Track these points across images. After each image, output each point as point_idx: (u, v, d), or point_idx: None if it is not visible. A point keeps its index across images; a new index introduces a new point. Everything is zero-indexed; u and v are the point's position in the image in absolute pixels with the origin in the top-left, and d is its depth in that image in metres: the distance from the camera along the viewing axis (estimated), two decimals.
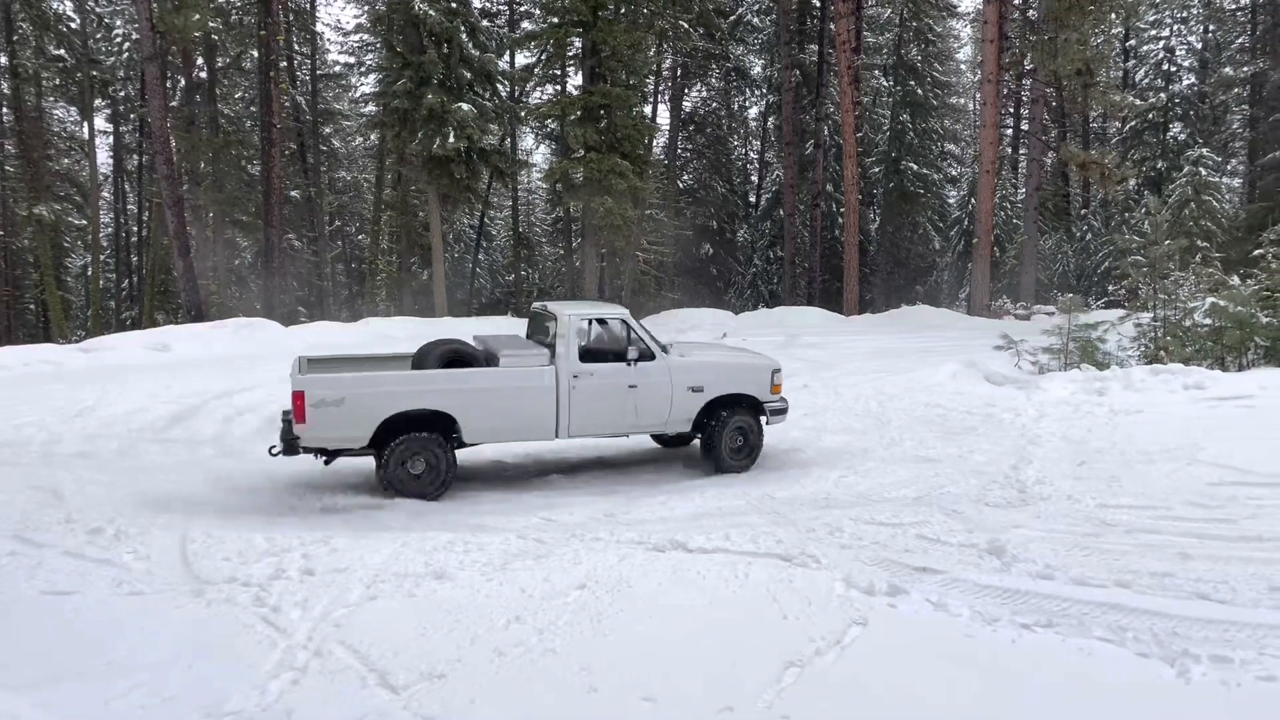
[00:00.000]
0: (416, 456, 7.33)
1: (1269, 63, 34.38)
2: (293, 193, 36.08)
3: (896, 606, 4.93)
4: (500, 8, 36.95)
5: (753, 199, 43.37)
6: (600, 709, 3.89)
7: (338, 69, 40.39)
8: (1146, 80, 37.48)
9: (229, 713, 3.81)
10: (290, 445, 7.12)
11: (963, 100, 45.50)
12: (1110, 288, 29.57)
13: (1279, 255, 12.68)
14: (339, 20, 79.67)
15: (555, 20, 26.96)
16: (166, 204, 23.46)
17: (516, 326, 22.72)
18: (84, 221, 36.02)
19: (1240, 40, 37.91)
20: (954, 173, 42.57)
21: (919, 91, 38.22)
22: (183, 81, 32.07)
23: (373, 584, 5.25)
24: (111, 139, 38.10)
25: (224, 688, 4.00)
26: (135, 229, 39.68)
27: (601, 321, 8.40)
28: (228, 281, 33.29)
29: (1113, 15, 28.75)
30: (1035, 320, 23.52)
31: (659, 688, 4.03)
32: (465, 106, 25.24)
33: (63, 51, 32.61)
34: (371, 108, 37.13)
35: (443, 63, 25.56)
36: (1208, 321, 12.25)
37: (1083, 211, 38.46)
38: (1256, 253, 13.51)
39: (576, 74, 30.91)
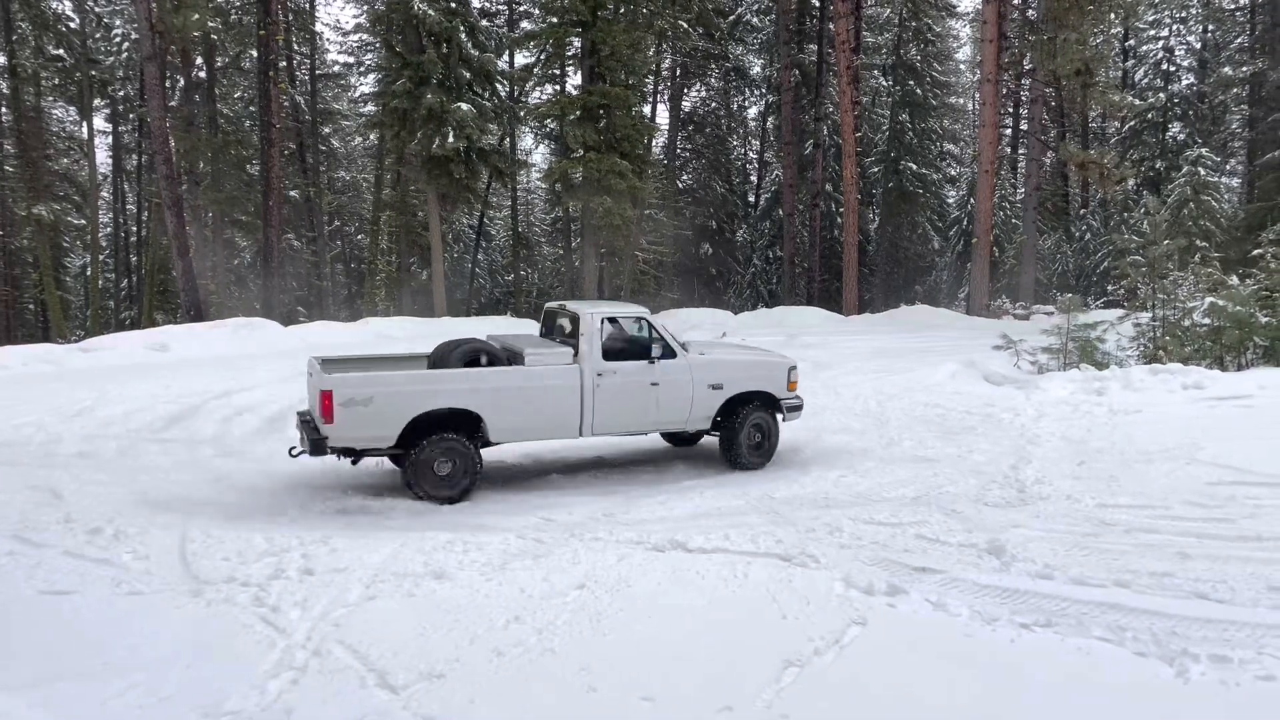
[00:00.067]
0: (443, 457, 7.29)
1: (1268, 62, 34.40)
2: (292, 193, 36.07)
3: (896, 606, 4.93)
4: (499, 7, 36.95)
5: (752, 199, 43.37)
6: (599, 709, 3.89)
7: (337, 69, 40.40)
8: (1146, 80, 37.51)
9: (228, 712, 3.81)
10: (317, 445, 6.99)
11: (962, 100, 45.52)
12: (1109, 287, 29.59)
13: (1278, 255, 12.68)
14: (338, 20, 79.84)
15: (554, 20, 26.96)
16: (166, 204, 23.46)
17: (516, 326, 22.73)
18: (83, 221, 36.01)
19: (1239, 40, 37.92)
20: (953, 172, 42.58)
21: (918, 91, 38.23)
22: (182, 81, 32.06)
23: (372, 584, 5.25)
24: (111, 139, 38.09)
25: (223, 687, 4.00)
26: (134, 229, 39.67)
27: (622, 320, 8.45)
28: (227, 281, 33.29)
29: (1112, 15, 28.75)
30: (1034, 320, 23.52)
31: (658, 687, 4.03)
32: (464, 106, 25.24)
33: (62, 51, 32.61)
34: (370, 107, 37.13)
35: (442, 62, 25.56)
36: (1207, 321, 12.26)
37: (1082, 211, 38.47)
38: (1255, 252, 13.53)
39: (576, 74, 30.90)
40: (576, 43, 27.69)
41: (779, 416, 8.73)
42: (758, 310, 29.73)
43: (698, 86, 41.52)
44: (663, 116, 40.17)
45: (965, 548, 5.91)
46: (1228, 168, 38.90)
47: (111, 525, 6.26)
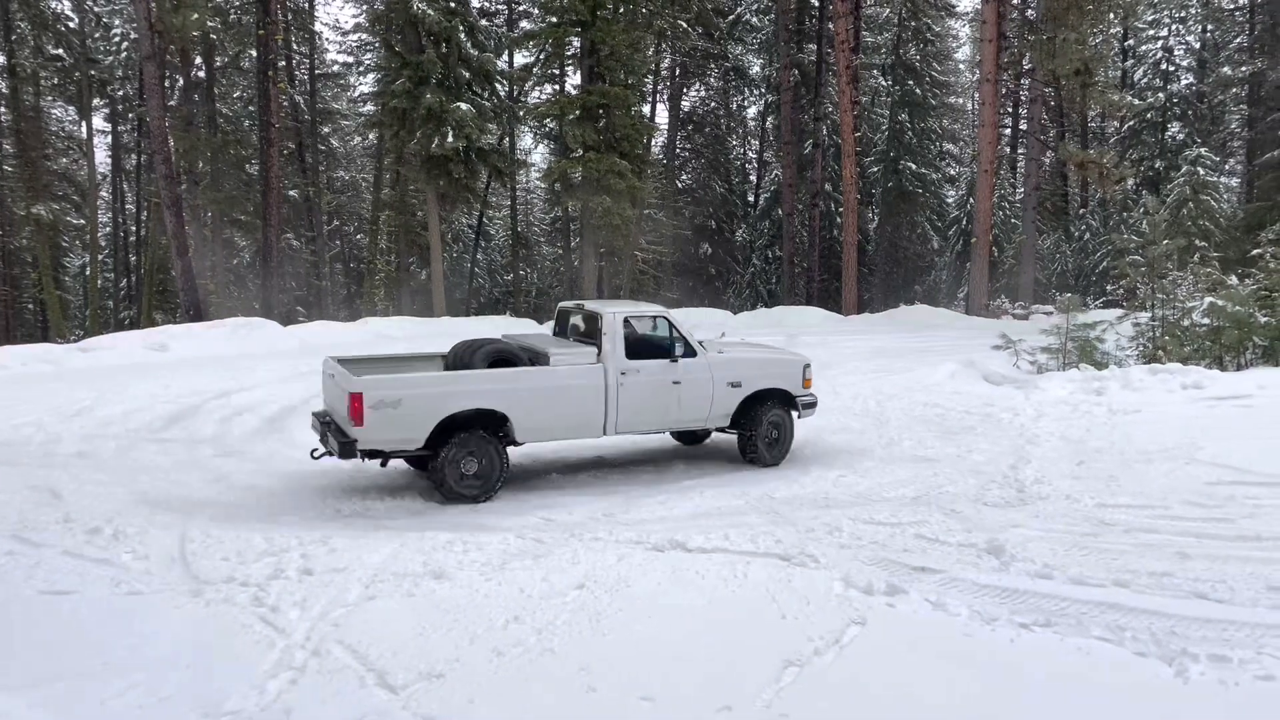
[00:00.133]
0: (470, 457, 7.27)
1: (1267, 62, 34.42)
2: (291, 192, 36.07)
3: (895, 606, 4.93)
4: (499, 7, 36.94)
5: (751, 198, 43.37)
6: (599, 709, 3.89)
7: (336, 68, 40.39)
8: (1145, 80, 37.51)
9: (227, 712, 3.80)
10: (347, 448, 6.92)
11: (961, 100, 45.53)
12: (1108, 287, 29.59)
13: (1277, 255, 12.69)
14: (337, 20, 79.83)
15: (554, 20, 26.96)
16: (165, 203, 23.45)
17: (516, 325, 22.74)
18: (82, 221, 36.00)
19: (1238, 40, 37.95)
20: (952, 172, 42.58)
21: (917, 91, 38.23)
22: (181, 81, 32.04)
23: (371, 584, 5.25)
24: (110, 138, 38.07)
25: (222, 687, 3.99)
26: (133, 228, 39.65)
27: (643, 319, 8.50)
28: (226, 281, 33.29)
29: (1111, 15, 28.79)
30: (1033, 320, 23.54)
31: (658, 687, 4.03)
32: (464, 106, 25.24)
33: (61, 51, 32.60)
34: (370, 107, 37.11)
35: (441, 62, 25.55)
36: (1206, 321, 12.27)
37: (1081, 211, 38.49)
38: (1255, 252, 13.53)
39: (575, 73, 30.90)
40: (576, 42, 27.69)
41: (794, 414, 8.83)
42: (757, 310, 29.75)
43: (697, 86, 41.53)
44: (662, 116, 40.23)
45: (964, 547, 5.91)
46: (1227, 167, 38.93)
47: (111, 525, 6.26)
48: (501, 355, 7.82)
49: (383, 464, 7.54)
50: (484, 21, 32.30)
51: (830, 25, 32.26)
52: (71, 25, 33.58)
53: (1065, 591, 5.11)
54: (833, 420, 10.54)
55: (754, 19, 39.95)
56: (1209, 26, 38.42)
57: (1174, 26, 37.38)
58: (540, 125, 31.63)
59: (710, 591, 5.18)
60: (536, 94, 33.53)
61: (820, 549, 5.88)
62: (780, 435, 8.70)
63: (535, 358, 7.87)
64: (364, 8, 36.54)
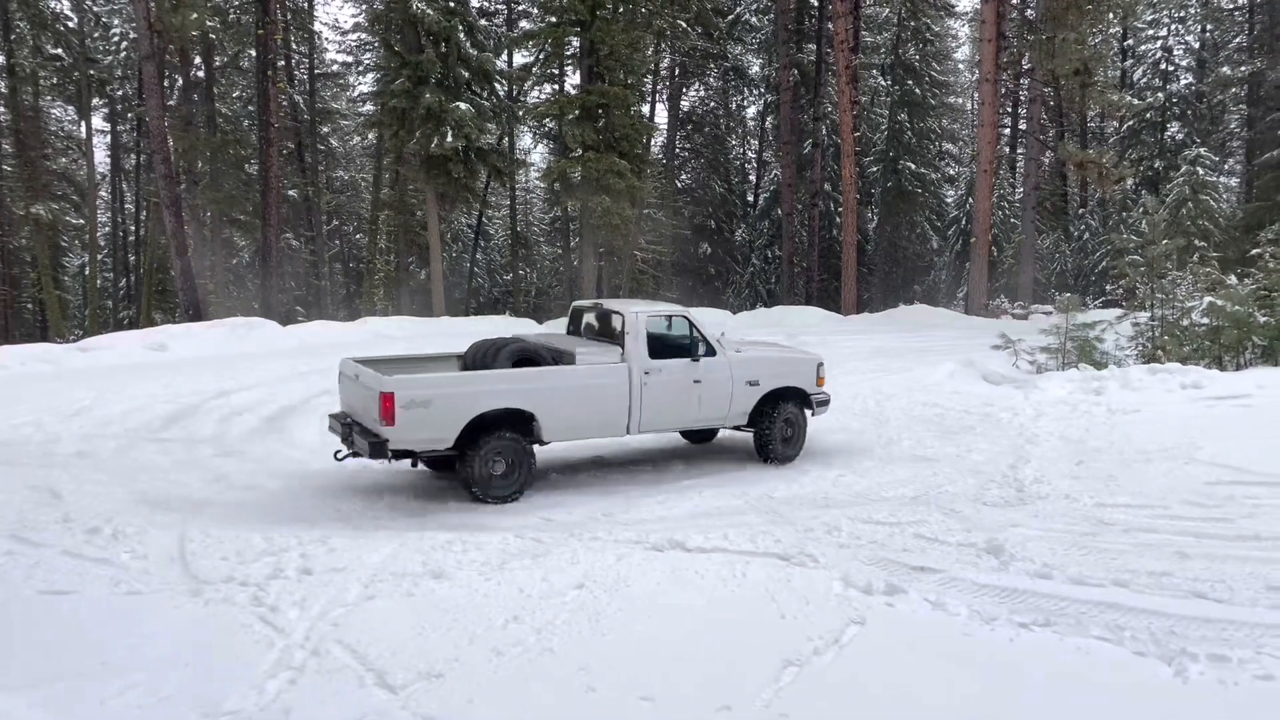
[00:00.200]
0: (498, 457, 7.28)
1: (1266, 62, 34.43)
2: (290, 192, 36.05)
3: (894, 606, 4.93)
4: (498, 7, 36.93)
5: (751, 198, 43.37)
6: (599, 708, 3.89)
7: (335, 68, 40.38)
8: (1144, 80, 37.50)
9: (227, 712, 3.80)
10: (378, 448, 6.90)
11: (961, 100, 45.52)
12: (1108, 287, 29.59)
13: (1276, 254, 12.70)
14: (337, 19, 79.79)
15: (553, 19, 26.96)
16: (164, 203, 23.44)
17: (515, 325, 22.74)
18: (81, 221, 35.99)
19: (1238, 40, 37.96)
20: (952, 172, 42.59)
21: (917, 91, 38.22)
22: (180, 81, 32.03)
23: (371, 583, 5.25)
24: (109, 138, 38.06)
25: (222, 687, 3.99)
26: (133, 228, 39.64)
27: (664, 319, 8.56)
28: (225, 281, 33.29)
29: (1110, 15, 28.78)
30: (1033, 320, 23.53)
31: (657, 687, 4.03)
32: (463, 106, 25.24)
33: (60, 50, 32.58)
34: (369, 107, 37.11)
35: (440, 62, 25.54)
36: (1205, 321, 12.28)
37: (1080, 211, 38.49)
38: (1254, 252, 13.55)
39: (574, 73, 30.90)
40: (575, 42, 27.68)
41: (808, 412, 8.94)
42: (756, 310, 29.74)
43: (696, 86, 41.53)
44: (661, 116, 40.23)
45: (964, 547, 5.92)
46: (1226, 167, 38.94)
47: (110, 525, 6.26)
48: (525, 355, 7.87)
49: (414, 464, 7.59)
50: (483, 21, 32.31)
51: (830, 25, 32.26)
52: (71, 25, 33.57)
53: (1064, 591, 5.11)
54: (832, 420, 10.53)
55: (753, 19, 39.94)
56: (1208, 26, 38.43)
57: (1173, 26, 37.37)
58: (539, 125, 31.63)
59: (709, 591, 5.18)
60: (536, 94, 33.54)
61: (819, 549, 5.88)
62: (795, 432, 8.82)
63: (558, 357, 7.91)
64: (363, 7, 36.54)
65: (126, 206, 40.19)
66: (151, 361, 15.51)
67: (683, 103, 40.29)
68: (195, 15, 22.86)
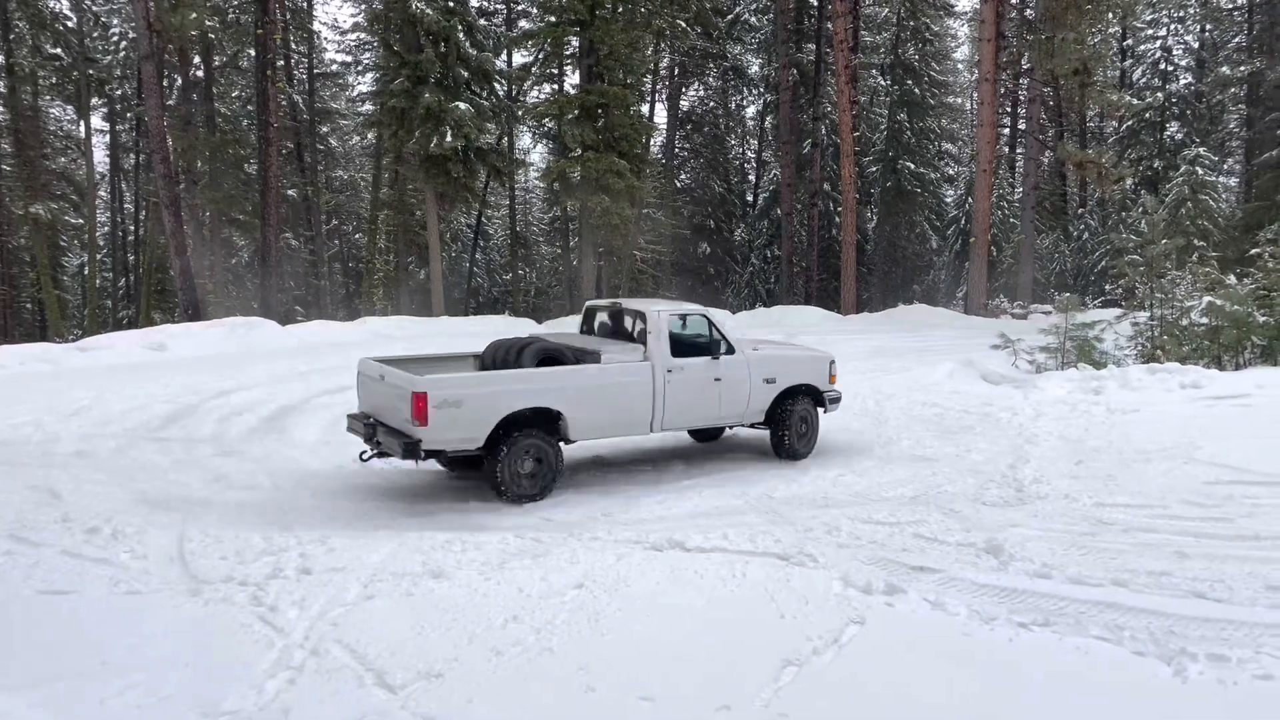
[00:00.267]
0: (526, 456, 7.29)
1: (1266, 62, 34.45)
2: (290, 192, 36.05)
3: (894, 605, 4.93)
4: (497, 6, 36.93)
5: (750, 198, 43.38)
6: (598, 708, 3.89)
7: (335, 68, 40.37)
8: (1143, 79, 37.53)
9: (226, 712, 3.80)
10: (411, 449, 6.88)
11: (960, 99, 45.53)
12: (1107, 287, 29.63)
13: (1276, 254, 12.70)
14: (336, 19, 79.59)
15: (552, 19, 26.96)
16: (163, 203, 23.43)
17: (515, 325, 22.73)
18: (80, 220, 35.98)
19: (1237, 39, 37.98)
20: (951, 172, 42.60)
21: (916, 91, 38.23)
22: (179, 80, 32.01)
23: (370, 583, 5.25)
24: (108, 138, 38.05)
25: (221, 687, 3.99)
26: (132, 228, 39.63)
27: (684, 318, 8.63)
28: (224, 280, 33.27)
29: (1110, 14, 28.76)
30: (1032, 319, 23.55)
31: (657, 687, 4.03)
32: (462, 105, 25.24)
33: (59, 50, 32.56)
34: (368, 106, 37.11)
35: (440, 61, 25.54)
36: (1204, 320, 12.29)
37: (1080, 211, 38.50)
38: (1253, 252, 13.56)
39: (574, 73, 30.90)
40: (574, 42, 27.68)
41: (820, 409, 9.06)
42: (756, 309, 29.73)
43: (696, 85, 41.53)
44: (661, 116, 40.23)
45: (963, 547, 5.92)
46: (1225, 167, 38.96)
47: (109, 524, 6.26)
48: (549, 354, 7.90)
49: (444, 464, 7.59)
50: (482, 21, 32.30)
51: (829, 25, 32.26)
52: (70, 24, 33.55)
53: (1064, 591, 5.12)
54: (831, 419, 10.51)
55: (753, 18, 39.95)
56: (1207, 26, 38.45)
57: (1172, 26, 37.40)
58: (539, 125, 31.63)
59: (709, 591, 5.18)
60: (535, 93, 33.54)
61: (819, 548, 5.88)
62: (809, 429, 8.95)
63: (581, 356, 7.95)
64: (362, 7, 36.55)
65: (126, 206, 40.18)
66: (151, 361, 15.51)
67: (682, 102, 40.30)
68: (194, 15, 22.85)
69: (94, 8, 35.10)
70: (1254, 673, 4.10)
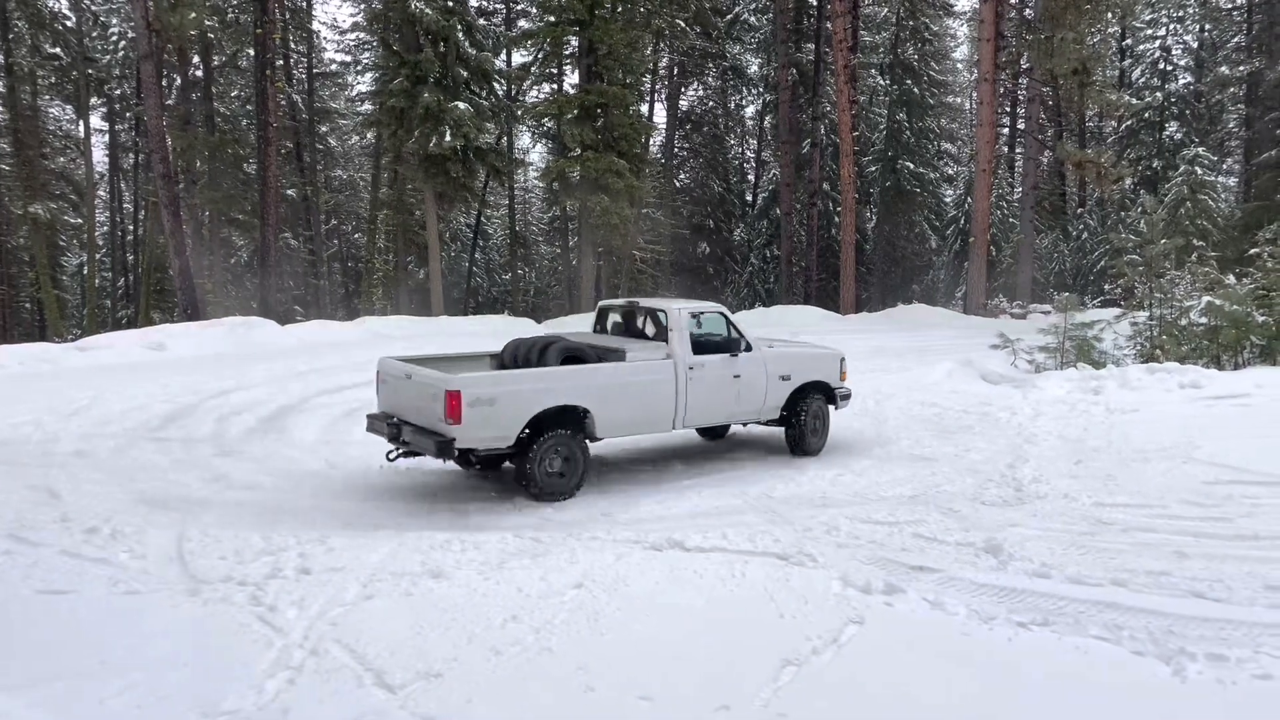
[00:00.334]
0: (554, 454, 7.31)
1: (1265, 62, 34.47)
2: (289, 191, 36.04)
3: (893, 605, 4.93)
4: (497, 6, 36.92)
5: (749, 198, 43.38)
6: (597, 708, 3.89)
7: (334, 67, 40.37)
8: (1143, 79, 37.55)
9: (225, 712, 3.80)
10: (445, 447, 6.86)
11: (959, 99, 45.55)
12: (1106, 286, 29.62)
13: (1275, 254, 12.71)
14: (335, 19, 79.60)
15: (552, 19, 26.96)
16: (162, 203, 23.42)
17: (514, 324, 22.72)
18: (79, 220, 35.96)
19: (1236, 39, 37.99)
20: (950, 172, 42.61)
21: (915, 90, 38.25)
22: (179, 80, 32.02)
23: (369, 583, 5.24)
24: (107, 137, 38.04)
25: (220, 687, 3.99)
26: (131, 228, 39.61)
27: (703, 315, 8.68)
28: (224, 280, 33.27)
29: (1109, 14, 28.79)
30: (1031, 319, 23.55)
31: (656, 687, 4.02)
32: (462, 105, 25.23)
33: (58, 50, 32.55)
34: (368, 106, 37.12)
35: (439, 61, 25.53)
36: (1204, 320, 12.29)
37: (1079, 210, 38.52)
38: (1252, 251, 13.56)
39: (573, 73, 30.89)
40: (574, 41, 27.69)
41: (831, 405, 9.15)
42: (755, 309, 29.74)
43: (695, 85, 41.53)
44: (660, 115, 40.24)
45: (962, 546, 5.92)
46: (1224, 167, 38.98)
47: (108, 524, 6.25)
48: (572, 353, 7.95)
49: (476, 465, 7.60)
50: (482, 20, 32.31)
51: (828, 24, 32.27)
52: (69, 24, 33.53)
53: (1063, 590, 5.12)
54: (831, 418, 10.53)
55: (752, 18, 39.96)
56: (1207, 26, 38.46)
57: (1172, 26, 37.41)
58: (538, 124, 31.64)
59: (708, 591, 5.18)
60: (534, 93, 33.57)
61: (818, 548, 5.88)
62: (821, 426, 9.04)
63: (604, 355, 7.98)
64: (362, 6, 36.53)
65: (125, 206, 40.17)
66: (150, 361, 15.50)
67: (681, 102, 40.30)
68: (193, 14, 22.84)
69: (93, 7, 35.09)
70: (1253, 672, 4.10)
